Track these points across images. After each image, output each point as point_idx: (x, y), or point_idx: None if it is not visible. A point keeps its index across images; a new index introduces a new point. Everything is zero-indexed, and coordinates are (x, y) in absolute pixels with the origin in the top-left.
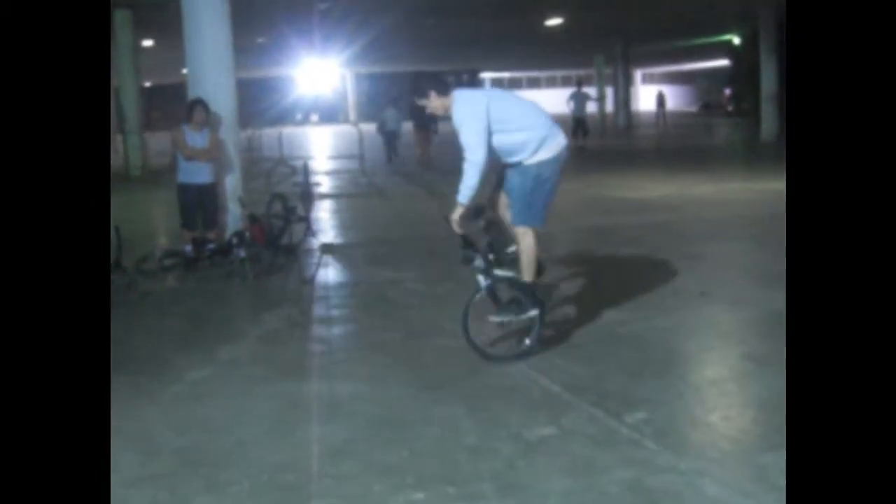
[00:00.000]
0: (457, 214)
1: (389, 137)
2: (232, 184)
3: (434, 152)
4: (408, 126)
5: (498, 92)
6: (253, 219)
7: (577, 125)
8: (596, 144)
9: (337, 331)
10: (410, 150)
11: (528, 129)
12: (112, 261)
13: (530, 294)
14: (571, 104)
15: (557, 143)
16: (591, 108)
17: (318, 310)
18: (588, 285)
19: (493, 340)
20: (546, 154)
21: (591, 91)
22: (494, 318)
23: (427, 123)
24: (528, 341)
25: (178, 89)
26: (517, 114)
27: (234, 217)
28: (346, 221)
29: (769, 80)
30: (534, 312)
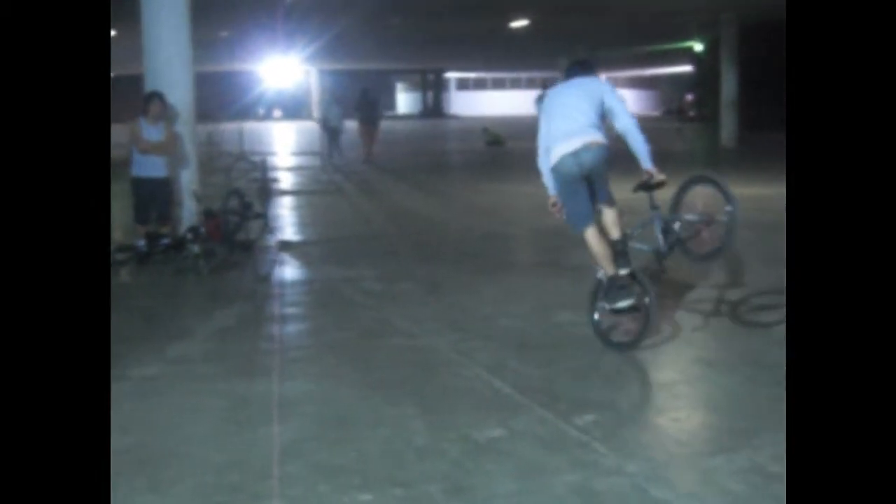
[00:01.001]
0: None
1: (332, 134)
2: (187, 178)
3: (378, 149)
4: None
5: (564, 86)
6: (209, 214)
7: None
8: None
9: (290, 329)
10: (354, 148)
11: (545, 132)
12: None
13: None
14: (537, 107)
15: (557, 152)
16: None
17: (272, 307)
18: (543, 287)
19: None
20: (553, 160)
21: None
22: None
23: (373, 120)
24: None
25: (136, 81)
26: (551, 113)
27: (189, 212)
28: (304, 218)
29: (729, 86)
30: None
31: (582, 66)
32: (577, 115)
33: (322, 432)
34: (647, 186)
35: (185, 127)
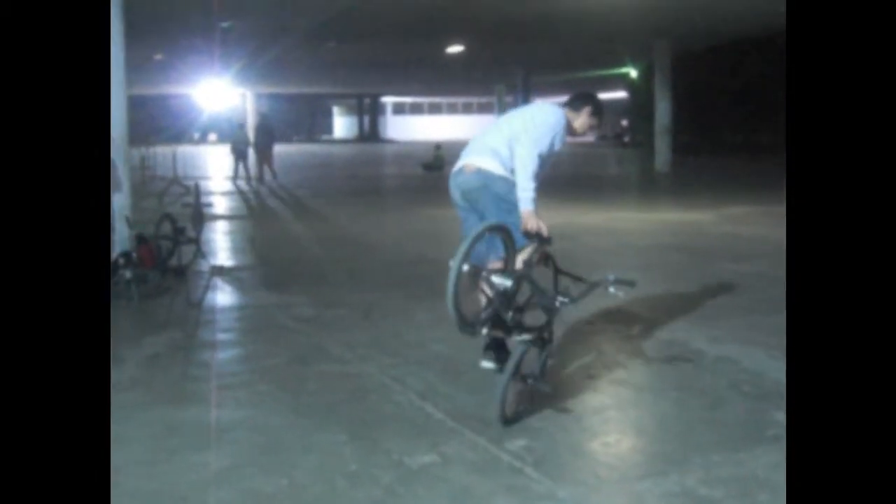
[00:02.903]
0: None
1: (239, 156)
2: (120, 203)
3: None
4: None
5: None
6: (141, 239)
7: None
8: None
9: (221, 355)
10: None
11: None
12: None
13: None
14: None
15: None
16: None
17: (204, 333)
18: None
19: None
20: None
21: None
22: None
23: (268, 144)
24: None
25: None
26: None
27: (121, 237)
28: (237, 243)
29: (662, 112)
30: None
31: (571, 98)
32: (485, 136)
33: (253, 459)
34: (530, 236)
35: (118, 150)
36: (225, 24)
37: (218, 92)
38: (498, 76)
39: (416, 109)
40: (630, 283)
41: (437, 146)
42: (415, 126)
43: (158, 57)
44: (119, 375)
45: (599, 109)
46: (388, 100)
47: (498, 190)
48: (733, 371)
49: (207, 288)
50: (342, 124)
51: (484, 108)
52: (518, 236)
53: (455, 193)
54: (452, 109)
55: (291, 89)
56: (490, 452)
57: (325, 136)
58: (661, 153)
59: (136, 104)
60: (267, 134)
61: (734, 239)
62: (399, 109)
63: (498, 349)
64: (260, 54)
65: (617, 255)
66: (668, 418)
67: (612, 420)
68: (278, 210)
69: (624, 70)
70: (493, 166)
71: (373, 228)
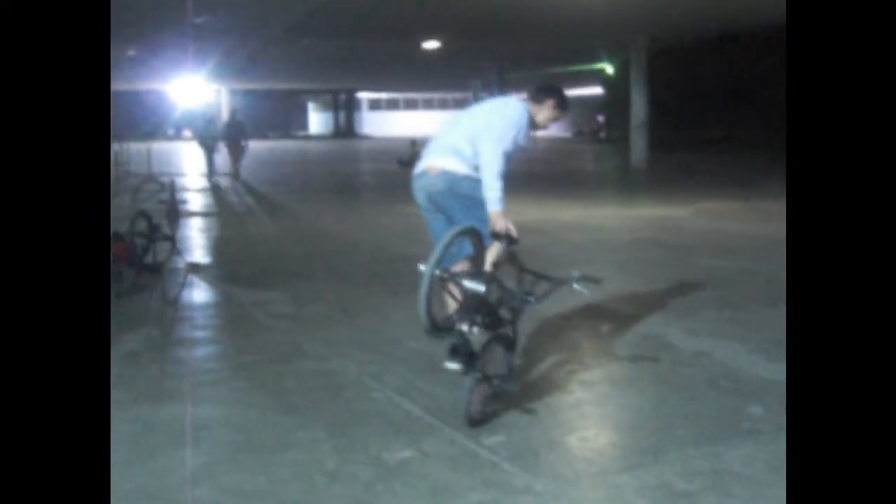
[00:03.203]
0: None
1: (207, 152)
2: None
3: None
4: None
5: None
6: (116, 236)
7: None
8: None
9: (199, 353)
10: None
11: None
12: None
13: None
14: None
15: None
16: None
17: (181, 331)
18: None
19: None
20: None
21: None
22: None
23: (237, 139)
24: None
25: None
26: None
27: None
28: (213, 240)
29: (639, 108)
30: None
31: (533, 91)
32: (446, 134)
33: (232, 456)
34: (498, 237)
35: None
36: (198, 20)
37: (192, 88)
38: (473, 72)
39: (392, 105)
40: (595, 281)
41: (413, 142)
42: (391, 122)
43: (132, 53)
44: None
45: (563, 102)
46: (364, 95)
47: (463, 190)
48: (710, 365)
49: (184, 285)
50: (318, 120)
51: (459, 104)
52: (486, 234)
53: (419, 196)
54: (428, 105)
55: (266, 85)
56: (468, 448)
57: (300, 133)
58: (637, 149)
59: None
60: (236, 129)
61: (712, 234)
62: (375, 105)
63: (463, 351)
64: (235, 50)
65: (594, 250)
66: (645, 413)
67: (588, 415)
68: (254, 207)
69: (600, 66)
70: (457, 166)
71: (350, 225)
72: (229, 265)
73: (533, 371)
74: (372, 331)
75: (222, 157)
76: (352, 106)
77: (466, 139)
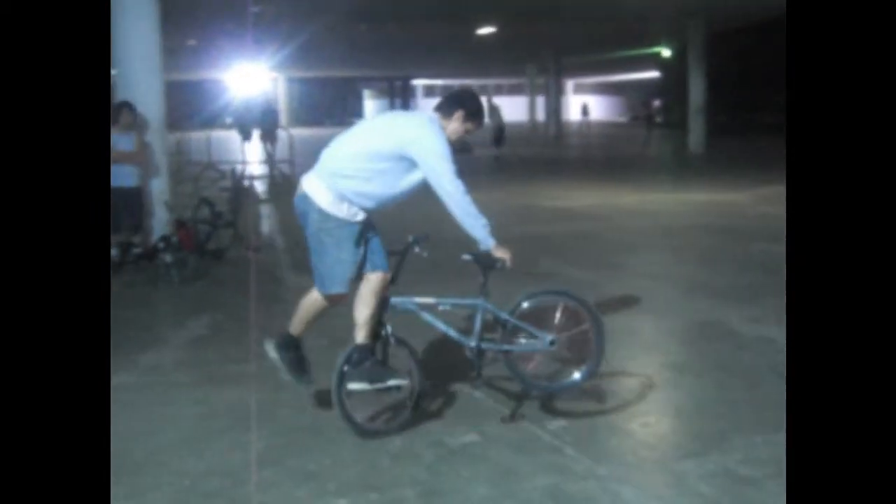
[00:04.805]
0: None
1: (245, 138)
2: (159, 188)
3: None
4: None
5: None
6: (180, 223)
7: (498, 133)
8: (524, 153)
9: (262, 336)
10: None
11: None
12: None
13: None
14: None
15: None
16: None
17: (245, 315)
18: (510, 295)
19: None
20: None
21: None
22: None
23: (270, 127)
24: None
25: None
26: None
27: (160, 221)
28: (275, 226)
29: (697, 92)
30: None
31: (442, 101)
32: (334, 152)
33: (296, 439)
34: (485, 263)
35: (156, 136)
36: (256, 9)
37: (250, 77)
38: (529, 57)
39: (446, 92)
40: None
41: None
42: None
43: (192, 43)
44: (163, 357)
45: (474, 112)
46: (419, 82)
47: (314, 223)
48: (772, 351)
49: (246, 271)
50: (373, 107)
51: (514, 90)
52: (326, 281)
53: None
54: (483, 91)
55: (323, 73)
56: (531, 432)
57: (356, 120)
58: (694, 133)
59: (169, 90)
60: (271, 117)
61: (771, 220)
62: (430, 92)
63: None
64: (292, 38)
65: (651, 236)
66: (706, 399)
67: (650, 400)
68: None
69: (656, 49)
70: (319, 194)
71: (400, 210)
72: (290, 250)
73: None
74: None
75: (255, 144)
76: (407, 93)
77: (350, 163)
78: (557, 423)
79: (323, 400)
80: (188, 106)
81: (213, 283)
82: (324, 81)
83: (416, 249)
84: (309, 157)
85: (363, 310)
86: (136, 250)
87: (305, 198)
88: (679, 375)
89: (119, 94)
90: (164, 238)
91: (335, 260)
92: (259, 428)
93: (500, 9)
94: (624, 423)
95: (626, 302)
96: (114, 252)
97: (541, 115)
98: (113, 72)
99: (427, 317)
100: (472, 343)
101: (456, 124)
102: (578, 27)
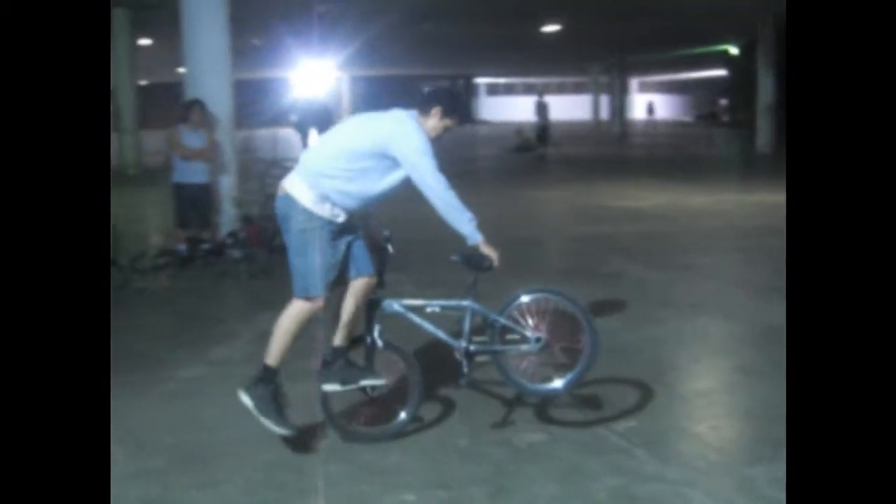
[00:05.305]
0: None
1: (303, 137)
2: (227, 184)
3: None
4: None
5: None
6: (248, 220)
7: (541, 133)
8: (589, 152)
9: (330, 333)
10: None
11: None
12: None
13: None
14: (540, 113)
15: None
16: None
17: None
18: (578, 294)
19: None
20: None
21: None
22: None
23: (324, 125)
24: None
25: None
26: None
27: (228, 217)
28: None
29: (766, 91)
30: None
31: (420, 99)
32: (316, 152)
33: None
34: (474, 264)
35: (225, 133)
36: (322, 8)
37: (314, 75)
38: (593, 55)
39: (510, 90)
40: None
41: (519, 130)
42: (509, 107)
43: (257, 42)
44: (233, 351)
45: (452, 107)
46: (482, 80)
47: (297, 224)
48: None
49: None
50: None
51: (578, 88)
52: (309, 283)
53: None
54: (547, 90)
55: (386, 71)
56: (598, 433)
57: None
58: (763, 133)
59: (235, 88)
60: (324, 114)
61: None
62: (493, 90)
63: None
64: (355, 37)
65: (720, 237)
66: (776, 402)
67: (718, 403)
68: None
69: (724, 47)
70: (302, 192)
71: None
72: None
73: (662, 358)
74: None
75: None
76: (470, 91)
77: (332, 161)
78: (626, 424)
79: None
80: (254, 104)
81: (280, 279)
82: (387, 80)
83: (390, 248)
84: None
85: (343, 314)
86: (205, 246)
87: (288, 198)
88: (748, 379)
89: (189, 92)
90: (232, 234)
91: (316, 261)
92: (327, 422)
93: (565, 6)
94: (692, 425)
95: (695, 304)
96: (183, 247)
97: (604, 114)
98: (182, 70)
99: (415, 319)
100: (462, 345)
101: (434, 121)
102: (644, 25)
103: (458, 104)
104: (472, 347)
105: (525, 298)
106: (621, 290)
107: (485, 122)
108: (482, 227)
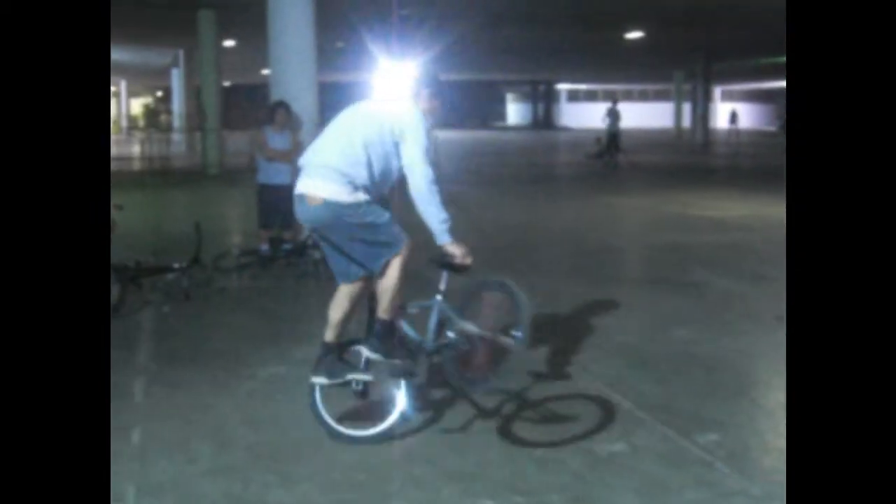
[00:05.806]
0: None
1: None
2: None
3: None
4: None
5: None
6: None
7: (611, 140)
8: (671, 161)
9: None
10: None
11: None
12: (192, 256)
13: None
14: (607, 120)
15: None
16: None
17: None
18: (659, 303)
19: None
20: None
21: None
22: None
23: None
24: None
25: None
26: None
27: None
28: (412, 229)
29: None
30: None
31: (412, 85)
32: (325, 151)
33: (445, 439)
34: (446, 265)
35: (309, 135)
36: (405, 11)
37: (395, 78)
38: (677, 63)
39: (590, 96)
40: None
41: (598, 139)
42: (589, 113)
43: (340, 44)
44: (314, 351)
45: (436, 90)
46: (563, 87)
47: (351, 220)
48: None
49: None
50: (515, 111)
51: (660, 96)
52: (375, 263)
53: (305, 224)
54: (628, 96)
55: (466, 76)
56: (680, 445)
57: (498, 123)
58: None
59: (320, 90)
60: None
61: None
62: (573, 96)
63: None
64: (436, 41)
65: None
66: None
67: None
68: (456, 197)
69: None
70: (338, 192)
71: (550, 216)
72: (431, 249)
73: (746, 371)
74: (576, 321)
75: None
76: (550, 97)
77: (350, 154)
78: (708, 438)
79: (462, 399)
80: (338, 106)
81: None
82: (467, 84)
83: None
84: (451, 158)
85: (336, 311)
86: (287, 246)
87: (329, 204)
88: None
89: (274, 93)
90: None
91: (374, 236)
92: (408, 425)
93: (649, 13)
94: (776, 440)
95: (780, 316)
96: (265, 248)
97: (686, 122)
98: (267, 71)
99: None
100: (428, 344)
101: (425, 104)
102: (730, 32)
103: (440, 85)
104: (436, 344)
105: (474, 292)
106: (705, 300)
107: (565, 129)
108: (565, 232)
